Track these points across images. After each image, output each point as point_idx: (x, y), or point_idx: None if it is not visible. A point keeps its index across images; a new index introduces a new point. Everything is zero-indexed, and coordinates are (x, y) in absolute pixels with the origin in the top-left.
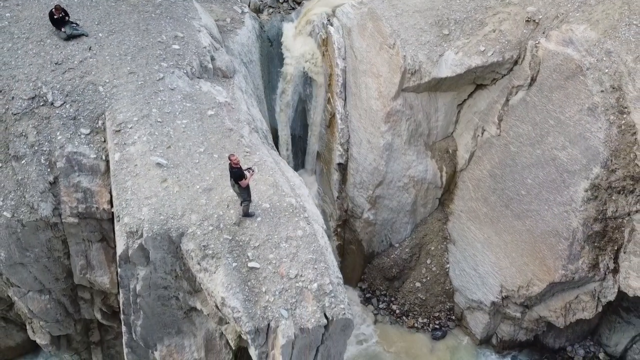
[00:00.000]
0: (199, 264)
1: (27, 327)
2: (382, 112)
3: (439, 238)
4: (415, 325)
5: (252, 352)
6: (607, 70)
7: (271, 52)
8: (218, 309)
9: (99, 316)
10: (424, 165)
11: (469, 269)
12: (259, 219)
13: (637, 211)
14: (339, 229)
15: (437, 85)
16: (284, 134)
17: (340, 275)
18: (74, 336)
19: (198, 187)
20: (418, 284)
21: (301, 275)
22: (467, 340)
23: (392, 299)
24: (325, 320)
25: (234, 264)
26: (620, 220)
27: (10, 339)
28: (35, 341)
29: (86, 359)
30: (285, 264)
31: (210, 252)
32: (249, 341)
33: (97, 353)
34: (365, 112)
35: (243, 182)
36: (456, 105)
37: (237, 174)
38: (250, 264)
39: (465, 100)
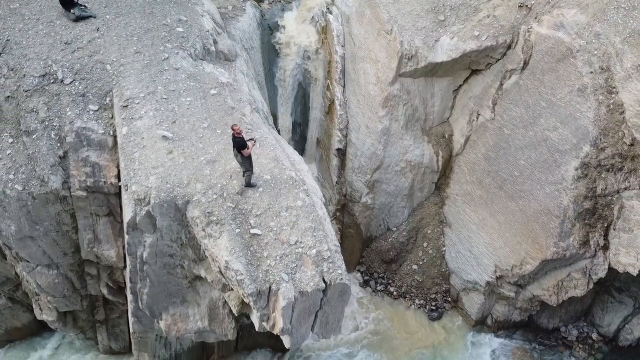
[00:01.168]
0: (203, 230)
1: (34, 306)
2: (379, 97)
3: (435, 222)
4: (412, 306)
5: (254, 315)
6: (596, 52)
7: (272, 40)
8: (222, 274)
9: (105, 291)
10: (421, 150)
11: (464, 250)
12: (260, 189)
13: (625, 188)
14: (337, 213)
15: (434, 70)
16: (284, 121)
17: (338, 244)
18: (80, 314)
19: (202, 158)
20: (415, 267)
21: (301, 242)
22: (462, 321)
23: (390, 281)
24: (323, 285)
25: (237, 230)
26: (609, 197)
27: (16, 319)
28: (40, 323)
29: (91, 338)
30: (285, 231)
31: (215, 218)
32: (251, 304)
33: (102, 332)
34: (364, 97)
35: (245, 152)
36: (452, 91)
37: (239, 143)
38: (253, 231)
39: (460, 85)
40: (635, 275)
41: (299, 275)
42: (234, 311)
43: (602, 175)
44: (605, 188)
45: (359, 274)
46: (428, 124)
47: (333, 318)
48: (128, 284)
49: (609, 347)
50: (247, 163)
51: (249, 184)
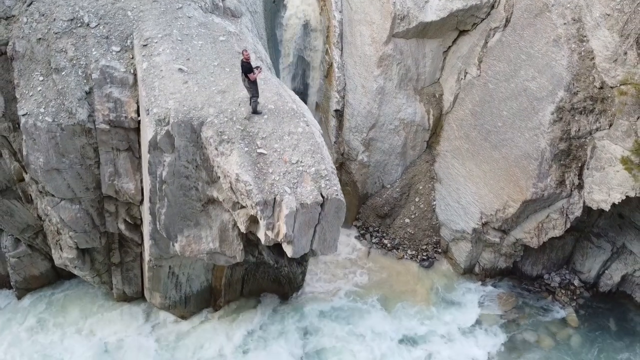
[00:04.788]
0: (216, 149)
1: (53, 250)
2: (375, 57)
3: (426, 178)
4: (405, 256)
5: (261, 227)
6: (568, 5)
7: (274, 8)
8: (232, 191)
9: (122, 227)
10: (413, 109)
11: (453, 202)
12: (265, 116)
13: (597, 129)
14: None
15: (424, 31)
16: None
17: (334, 167)
18: (97, 256)
19: (214, 88)
20: (407, 220)
21: (301, 162)
22: (452, 269)
23: (384, 234)
24: (321, 198)
25: (246, 149)
26: (583, 139)
27: (34, 267)
28: (57, 272)
29: (106, 282)
30: (288, 152)
31: (226, 137)
32: (258, 213)
33: (116, 275)
34: (360, 58)
35: (251, 76)
36: (442, 52)
37: (246, 67)
38: (259, 150)
39: (450, 47)
40: (607, 210)
41: (299, 190)
42: (242, 228)
43: (576, 118)
44: (579, 130)
45: (355, 229)
46: (420, 84)
47: (330, 236)
48: (147, 205)
49: (590, 293)
50: (253, 89)
51: (255, 111)
